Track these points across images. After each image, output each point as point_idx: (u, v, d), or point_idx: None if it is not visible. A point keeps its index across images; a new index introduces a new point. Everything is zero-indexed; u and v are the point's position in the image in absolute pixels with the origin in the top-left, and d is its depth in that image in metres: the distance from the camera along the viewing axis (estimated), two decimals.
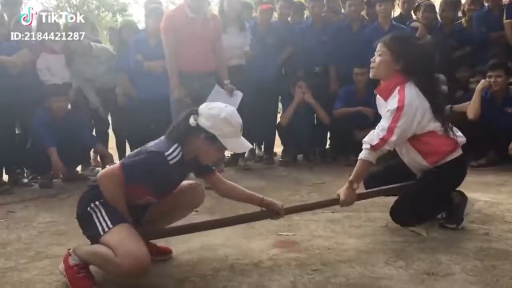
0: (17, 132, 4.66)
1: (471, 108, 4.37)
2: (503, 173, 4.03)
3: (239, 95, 4.17)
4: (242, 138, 2.15)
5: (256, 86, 4.78)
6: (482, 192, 3.37)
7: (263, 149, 5.59)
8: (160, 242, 2.36)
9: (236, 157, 5.10)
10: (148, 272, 2.12)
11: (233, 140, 2.07)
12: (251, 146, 2.15)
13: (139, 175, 1.99)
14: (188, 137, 2.06)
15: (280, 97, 5.52)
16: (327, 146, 5.57)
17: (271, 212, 2.33)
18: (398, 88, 2.45)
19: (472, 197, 3.22)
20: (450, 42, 5.32)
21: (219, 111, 2.03)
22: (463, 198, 2.62)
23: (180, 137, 2.05)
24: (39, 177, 4.49)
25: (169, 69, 4.03)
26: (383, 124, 2.46)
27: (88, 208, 2.02)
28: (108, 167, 2.01)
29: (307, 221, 2.86)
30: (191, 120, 2.04)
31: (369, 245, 2.42)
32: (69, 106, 4.59)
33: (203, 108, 2.07)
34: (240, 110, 4.11)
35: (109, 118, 5.21)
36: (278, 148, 5.52)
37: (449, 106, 4.66)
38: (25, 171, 4.83)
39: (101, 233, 1.94)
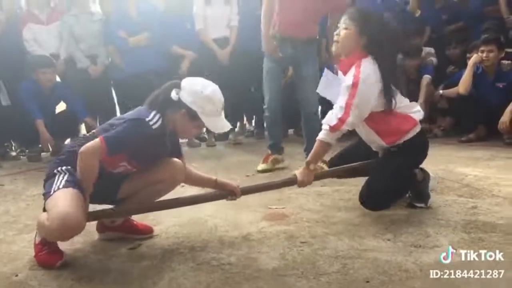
0: (4, 104, 4.57)
1: (462, 82, 4.36)
2: (491, 148, 4.05)
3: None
4: (223, 117, 2.11)
5: (245, 59, 4.72)
6: (471, 167, 3.39)
7: (253, 124, 5.56)
8: (142, 221, 2.33)
9: (226, 131, 5.07)
10: (138, 244, 2.15)
11: (214, 119, 2.02)
12: (231, 127, 2.09)
13: (123, 146, 1.91)
14: (168, 110, 1.99)
15: None
16: None
17: (225, 192, 2.28)
18: (356, 64, 2.36)
19: (461, 171, 3.26)
20: (442, 16, 5.29)
21: (202, 88, 1.97)
22: (426, 174, 2.59)
23: (160, 108, 1.98)
24: (27, 150, 4.44)
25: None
26: (340, 102, 2.35)
27: (55, 170, 1.96)
28: (90, 142, 1.89)
29: (297, 194, 2.87)
30: (173, 94, 1.97)
31: (358, 218, 2.43)
32: (58, 78, 4.51)
33: (186, 82, 2.01)
34: (230, 84, 4.14)
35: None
36: None
37: (439, 92, 4.66)
38: (13, 144, 4.78)
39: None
